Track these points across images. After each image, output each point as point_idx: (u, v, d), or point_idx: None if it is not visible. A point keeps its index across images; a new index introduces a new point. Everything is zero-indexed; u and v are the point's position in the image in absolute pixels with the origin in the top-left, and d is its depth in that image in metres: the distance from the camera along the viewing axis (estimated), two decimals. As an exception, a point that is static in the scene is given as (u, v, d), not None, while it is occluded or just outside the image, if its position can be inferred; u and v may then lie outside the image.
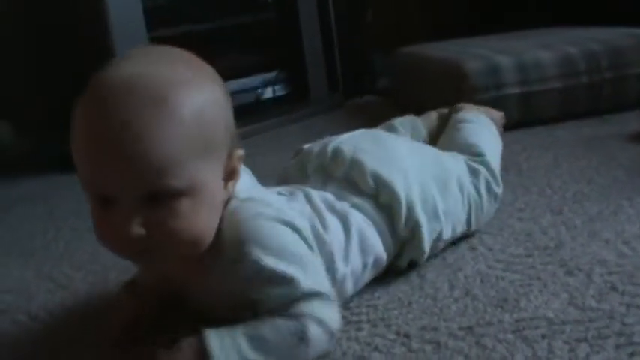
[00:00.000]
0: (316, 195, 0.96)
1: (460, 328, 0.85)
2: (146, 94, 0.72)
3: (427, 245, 1.01)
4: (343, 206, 0.97)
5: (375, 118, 1.55)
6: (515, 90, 1.89)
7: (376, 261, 0.97)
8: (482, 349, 0.79)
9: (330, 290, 0.83)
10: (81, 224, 1.48)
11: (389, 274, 1.02)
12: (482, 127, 1.30)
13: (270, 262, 0.80)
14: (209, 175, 0.77)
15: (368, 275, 0.97)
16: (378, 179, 0.99)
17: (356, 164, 1.01)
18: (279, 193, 0.96)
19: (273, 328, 0.78)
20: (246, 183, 0.87)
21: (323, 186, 1.00)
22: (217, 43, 2.29)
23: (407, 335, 0.85)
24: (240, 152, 0.83)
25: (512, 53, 1.97)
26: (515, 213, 1.22)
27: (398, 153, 1.07)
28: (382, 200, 0.99)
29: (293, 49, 2.51)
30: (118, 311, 0.94)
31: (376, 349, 0.83)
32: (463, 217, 1.09)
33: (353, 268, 0.94)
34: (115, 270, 1.18)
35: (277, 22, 2.54)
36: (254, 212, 0.83)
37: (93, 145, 0.73)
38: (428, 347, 0.81)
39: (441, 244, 1.06)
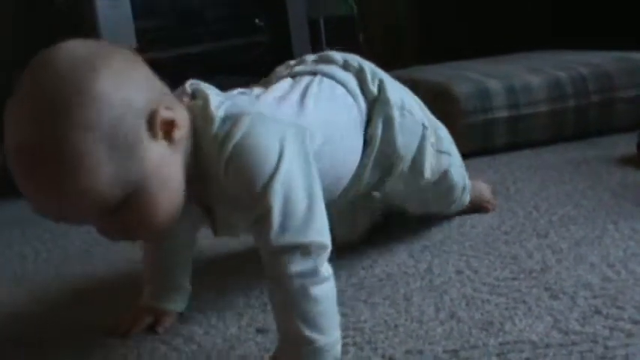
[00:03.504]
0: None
1: (445, 352, 0.86)
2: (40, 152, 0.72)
3: (394, 104, 1.08)
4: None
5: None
6: (504, 114, 1.91)
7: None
8: (467, 373, 0.80)
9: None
10: (72, 248, 1.48)
11: (375, 295, 1.03)
12: None
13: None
14: (144, 162, 0.76)
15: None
16: (353, 60, 1.11)
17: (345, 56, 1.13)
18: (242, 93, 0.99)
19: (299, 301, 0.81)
20: (218, 98, 0.88)
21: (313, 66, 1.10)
22: (208, 66, 2.31)
23: (392, 358, 0.86)
24: (166, 103, 0.80)
25: (502, 77, 1.99)
26: (502, 236, 1.23)
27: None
28: (351, 66, 1.10)
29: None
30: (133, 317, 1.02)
31: (362, 372, 0.84)
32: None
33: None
34: (106, 294, 1.19)
35: (269, 44, 2.56)
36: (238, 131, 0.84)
37: (22, 187, 0.75)
38: (413, 371, 0.82)
39: (408, 119, 1.10)
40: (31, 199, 0.75)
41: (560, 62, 2.09)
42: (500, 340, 0.87)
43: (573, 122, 1.96)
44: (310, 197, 0.84)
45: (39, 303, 1.18)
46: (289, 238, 0.81)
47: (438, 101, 1.98)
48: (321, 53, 1.14)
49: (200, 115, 0.85)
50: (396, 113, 1.08)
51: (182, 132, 0.81)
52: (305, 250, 0.81)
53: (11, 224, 1.76)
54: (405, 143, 1.10)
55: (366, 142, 1.07)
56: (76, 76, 0.73)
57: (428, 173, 1.16)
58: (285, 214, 0.81)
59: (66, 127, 0.71)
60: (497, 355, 0.83)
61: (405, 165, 1.12)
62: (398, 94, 1.11)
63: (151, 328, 1.01)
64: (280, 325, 0.84)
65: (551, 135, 1.94)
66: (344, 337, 0.90)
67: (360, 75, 1.09)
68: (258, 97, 0.96)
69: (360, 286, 1.07)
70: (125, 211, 0.77)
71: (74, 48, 0.77)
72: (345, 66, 1.10)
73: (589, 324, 0.88)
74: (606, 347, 0.82)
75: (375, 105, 1.08)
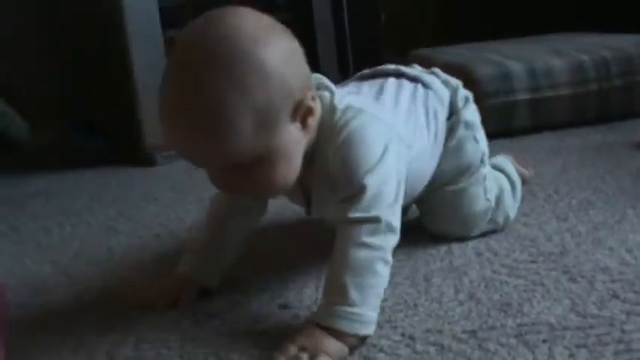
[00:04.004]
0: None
1: (464, 332, 0.87)
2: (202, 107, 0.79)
3: (464, 120, 1.13)
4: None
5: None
6: (525, 96, 1.91)
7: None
8: (485, 353, 0.82)
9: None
10: (96, 221, 1.51)
11: (396, 275, 1.04)
12: None
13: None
14: (279, 138, 0.84)
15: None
16: (453, 80, 1.18)
17: None
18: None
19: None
20: (340, 93, 0.97)
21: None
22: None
23: (412, 337, 0.87)
24: (312, 92, 0.88)
25: (524, 59, 1.99)
26: (521, 218, 1.24)
27: None
28: (449, 84, 1.16)
29: (307, 51, 2.53)
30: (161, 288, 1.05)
31: (381, 350, 0.85)
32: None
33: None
34: (130, 268, 1.21)
35: (291, 22, 2.55)
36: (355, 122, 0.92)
37: (169, 128, 0.82)
38: (432, 349, 0.84)
39: (471, 141, 1.14)
40: (170, 139, 0.82)
41: (582, 45, 2.09)
42: (518, 321, 0.88)
43: (595, 106, 1.95)
44: (396, 196, 0.92)
45: (62, 275, 1.20)
46: (372, 213, 0.88)
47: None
48: (430, 70, 1.19)
49: (326, 105, 0.93)
50: (461, 127, 1.13)
51: (315, 120, 0.89)
52: (381, 225, 0.88)
53: (37, 198, 1.79)
54: (457, 163, 1.14)
55: None
56: (246, 42, 0.80)
57: (478, 205, 1.16)
58: (376, 198, 0.89)
59: (225, 86, 0.78)
60: (515, 336, 0.85)
61: (448, 185, 1.15)
62: (474, 117, 1.16)
63: (174, 302, 1.03)
64: (328, 284, 0.88)
65: (572, 118, 1.94)
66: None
67: (454, 92, 1.15)
68: (374, 99, 1.04)
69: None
70: (246, 173, 0.85)
71: (245, 14, 0.84)
72: (445, 81, 1.16)
73: (606, 308, 0.89)
74: (623, 331, 0.83)
75: (451, 117, 1.13)
